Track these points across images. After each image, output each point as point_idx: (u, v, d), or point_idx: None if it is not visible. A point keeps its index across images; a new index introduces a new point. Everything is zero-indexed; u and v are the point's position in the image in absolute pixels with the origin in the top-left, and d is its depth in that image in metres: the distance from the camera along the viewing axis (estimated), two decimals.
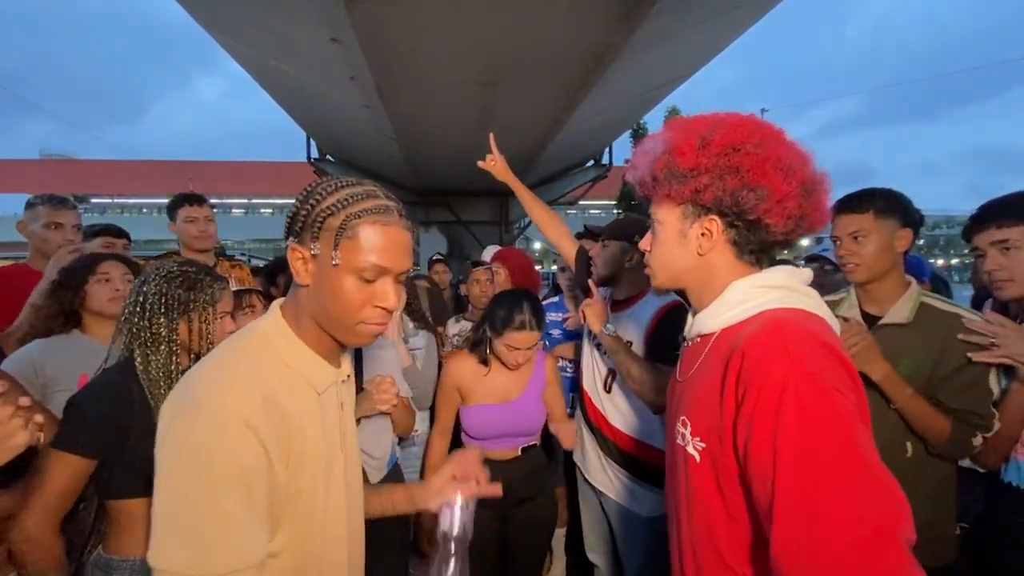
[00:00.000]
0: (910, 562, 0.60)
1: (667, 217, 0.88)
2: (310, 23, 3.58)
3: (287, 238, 0.79)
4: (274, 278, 2.56)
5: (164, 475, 0.69)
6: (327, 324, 0.80)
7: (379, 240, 0.75)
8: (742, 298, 0.81)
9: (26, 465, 1.01)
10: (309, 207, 0.76)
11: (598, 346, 1.83)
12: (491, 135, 2.05)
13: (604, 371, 1.83)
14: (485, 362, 1.77)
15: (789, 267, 0.84)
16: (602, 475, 1.81)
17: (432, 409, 2.32)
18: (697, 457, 0.79)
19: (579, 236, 2.35)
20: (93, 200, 32.19)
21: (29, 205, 2.13)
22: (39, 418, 0.79)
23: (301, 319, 0.81)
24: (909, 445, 1.32)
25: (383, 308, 0.78)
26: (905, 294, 1.36)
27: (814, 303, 0.81)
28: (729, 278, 0.84)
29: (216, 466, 0.67)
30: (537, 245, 18.75)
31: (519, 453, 1.78)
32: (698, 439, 0.79)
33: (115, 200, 33.73)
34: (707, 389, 0.78)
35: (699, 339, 0.88)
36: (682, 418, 0.83)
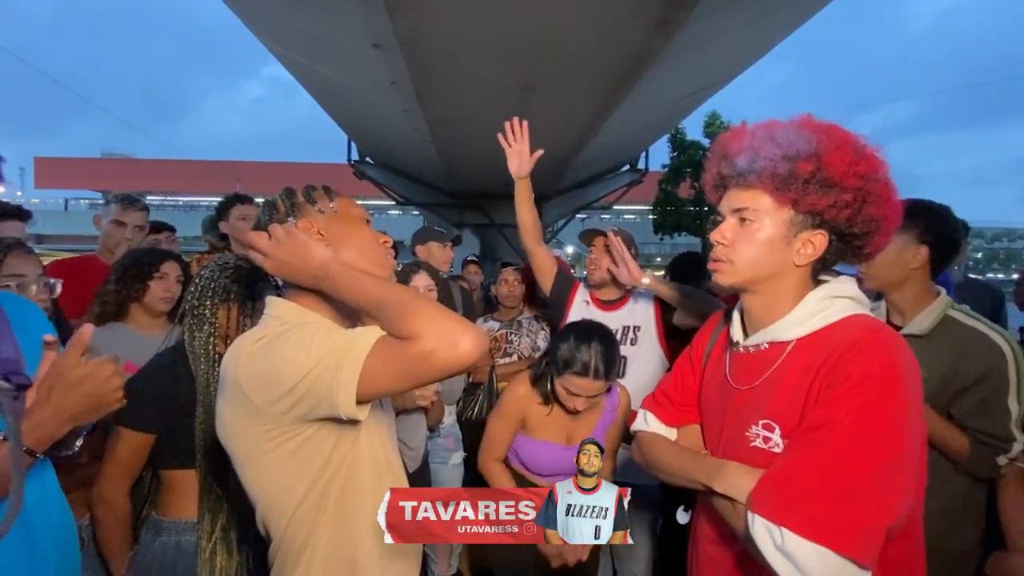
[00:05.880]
0: (869, 549, 0.69)
1: (774, 217, 0.84)
2: (354, 30, 3.71)
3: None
4: None
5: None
6: None
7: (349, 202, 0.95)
8: (818, 307, 0.84)
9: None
10: (290, 198, 0.91)
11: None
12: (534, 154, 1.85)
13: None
14: (547, 399, 1.57)
15: (851, 278, 0.89)
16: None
17: (467, 420, 2.35)
18: None
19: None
20: (149, 198, 33.91)
21: (106, 201, 2.33)
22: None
23: (315, 296, 0.84)
24: None
25: (386, 243, 0.95)
26: (930, 306, 1.31)
27: (869, 310, 0.86)
28: (799, 289, 0.86)
29: None
30: (570, 249, 18.67)
31: None
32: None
33: (167, 199, 35.50)
34: (797, 390, 0.80)
35: (767, 346, 0.87)
36: (764, 422, 0.83)
